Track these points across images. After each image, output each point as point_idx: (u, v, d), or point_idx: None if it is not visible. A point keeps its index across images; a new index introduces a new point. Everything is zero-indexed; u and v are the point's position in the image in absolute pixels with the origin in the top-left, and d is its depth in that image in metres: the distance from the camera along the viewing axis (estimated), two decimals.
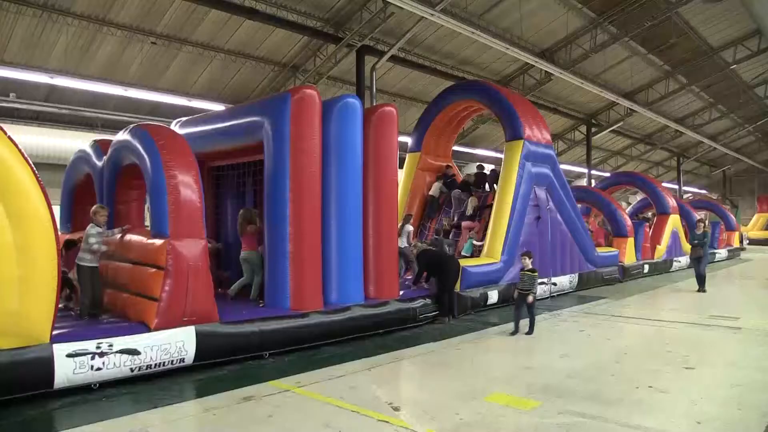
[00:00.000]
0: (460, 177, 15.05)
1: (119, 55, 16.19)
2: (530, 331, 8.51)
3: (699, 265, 13.59)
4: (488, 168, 15.42)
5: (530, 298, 8.49)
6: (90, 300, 7.03)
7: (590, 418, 4.92)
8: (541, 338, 8.51)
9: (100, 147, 8.97)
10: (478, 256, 11.79)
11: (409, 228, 11.71)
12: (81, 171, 9.54)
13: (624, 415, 4.99)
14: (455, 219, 13.55)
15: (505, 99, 12.74)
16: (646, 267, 17.85)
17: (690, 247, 14.57)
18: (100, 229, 7.16)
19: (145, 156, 7.00)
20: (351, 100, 8.69)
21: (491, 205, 12.25)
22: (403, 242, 10.99)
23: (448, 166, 14.69)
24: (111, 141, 8.43)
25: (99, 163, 8.78)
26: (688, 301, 12.42)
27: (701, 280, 13.52)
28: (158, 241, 6.69)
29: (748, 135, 42.19)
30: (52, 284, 5.57)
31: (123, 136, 7.74)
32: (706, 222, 17.72)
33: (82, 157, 9.49)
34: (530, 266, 8.75)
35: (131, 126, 7.72)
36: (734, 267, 22.41)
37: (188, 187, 6.83)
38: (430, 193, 14.26)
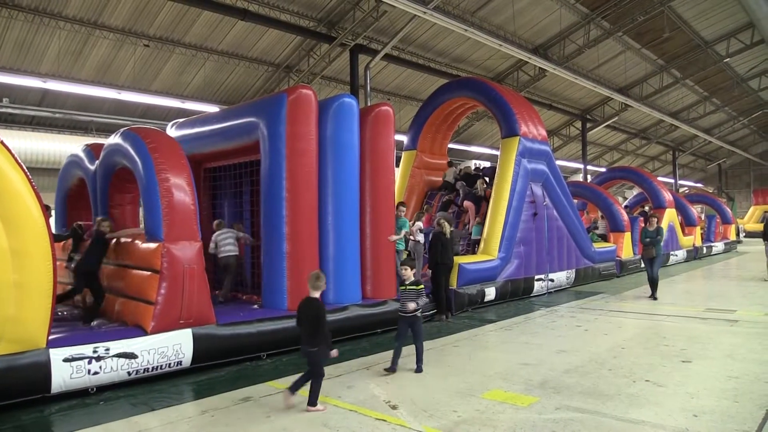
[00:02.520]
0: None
1: (112, 58, 16.17)
2: (418, 368, 6.40)
3: (652, 267, 11.72)
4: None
5: (411, 306, 6.39)
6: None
7: (587, 413, 4.93)
8: (538, 334, 8.53)
9: (92, 151, 8.94)
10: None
11: (420, 224, 11.62)
12: (74, 175, 9.52)
13: (621, 410, 5.01)
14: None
15: (500, 96, 12.72)
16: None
17: (642, 246, 12.17)
18: None
19: (137, 159, 6.97)
20: (347, 100, 8.67)
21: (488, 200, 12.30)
22: (420, 237, 10.86)
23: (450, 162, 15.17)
24: (103, 145, 8.39)
25: (91, 168, 8.75)
26: (684, 295, 12.45)
27: (654, 285, 11.67)
28: (152, 245, 6.68)
29: (743, 128, 42.36)
30: (47, 289, 5.54)
31: (114, 139, 7.69)
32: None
33: (74, 162, 9.45)
34: (412, 278, 6.68)
35: (122, 129, 7.67)
36: (731, 260, 22.52)
37: (181, 189, 6.80)
38: (445, 178, 14.49)
